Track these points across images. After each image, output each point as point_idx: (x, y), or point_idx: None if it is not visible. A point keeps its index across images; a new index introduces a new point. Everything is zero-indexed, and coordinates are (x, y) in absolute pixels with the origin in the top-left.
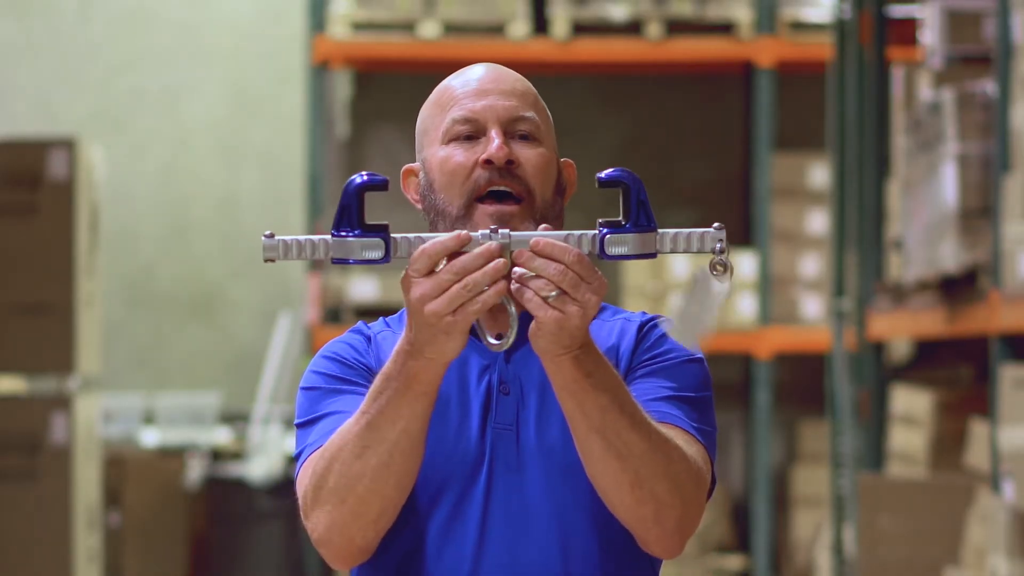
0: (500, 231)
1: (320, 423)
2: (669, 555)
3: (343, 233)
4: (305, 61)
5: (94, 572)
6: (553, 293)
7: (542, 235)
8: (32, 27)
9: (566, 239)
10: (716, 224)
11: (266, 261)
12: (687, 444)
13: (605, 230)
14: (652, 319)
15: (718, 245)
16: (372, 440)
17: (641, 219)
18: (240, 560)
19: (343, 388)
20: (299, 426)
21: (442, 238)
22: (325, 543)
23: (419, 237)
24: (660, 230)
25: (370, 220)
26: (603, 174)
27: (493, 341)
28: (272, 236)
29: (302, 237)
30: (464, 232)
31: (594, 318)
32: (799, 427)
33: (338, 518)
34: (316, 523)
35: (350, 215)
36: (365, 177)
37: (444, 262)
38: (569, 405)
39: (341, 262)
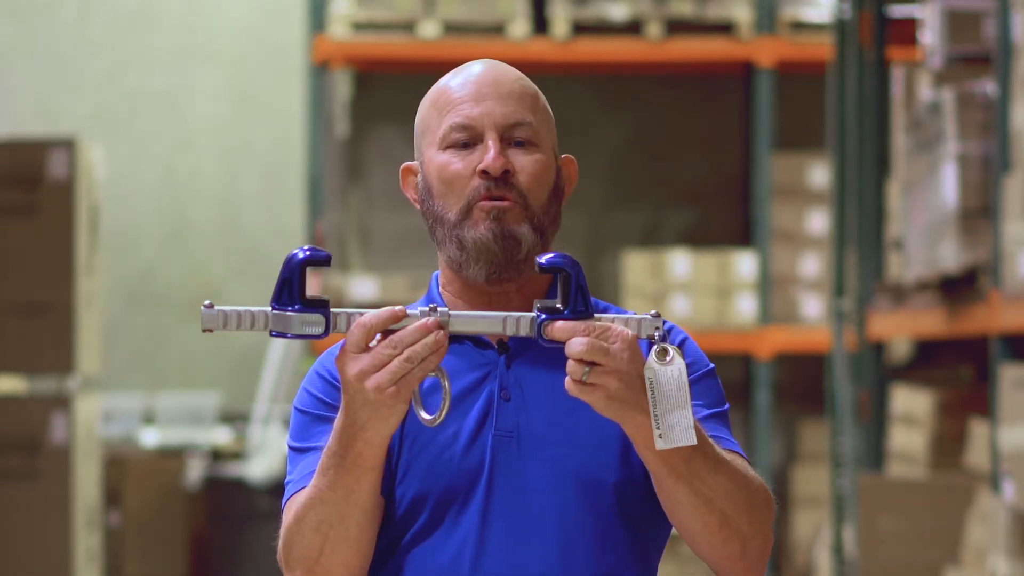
0: (439, 309)
1: (305, 458)
2: None
3: (283, 306)
4: (305, 61)
5: (94, 572)
6: (586, 370)
7: (482, 315)
8: (32, 27)
9: (504, 321)
10: (652, 312)
11: (204, 331)
12: (747, 467)
13: (543, 316)
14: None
15: (656, 333)
16: (326, 514)
17: (579, 305)
18: (240, 560)
19: (330, 415)
20: (289, 448)
21: (378, 312)
22: None
23: (358, 312)
24: (597, 314)
25: (365, 218)
26: (543, 259)
27: (426, 416)
28: (211, 306)
29: (242, 308)
30: (400, 308)
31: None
32: (799, 427)
33: None
34: None
35: (291, 288)
36: (308, 252)
37: (379, 337)
38: (653, 461)
39: (280, 335)
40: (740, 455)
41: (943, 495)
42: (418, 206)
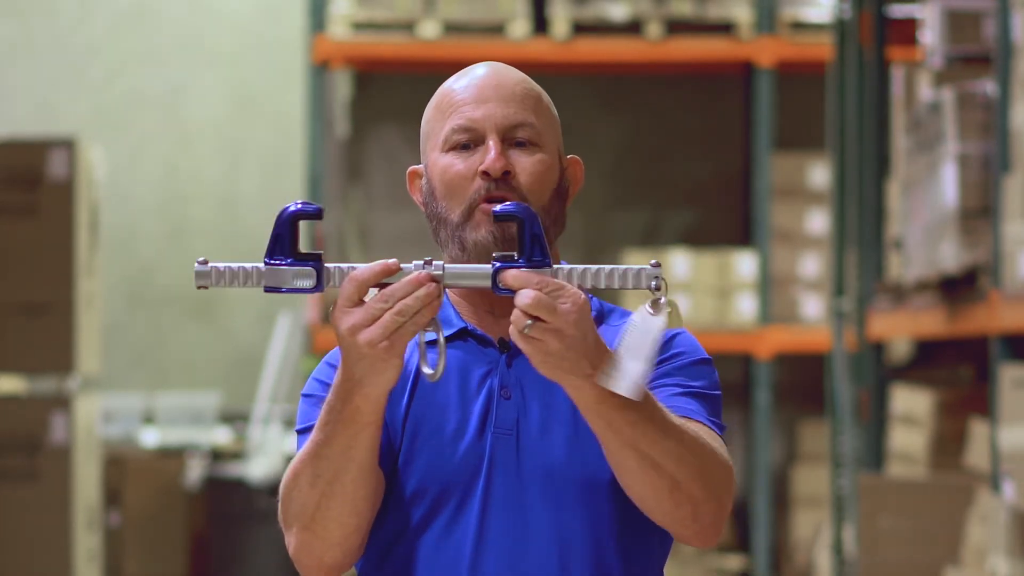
0: (434, 262)
1: (308, 436)
2: (707, 545)
3: (276, 261)
4: (305, 61)
5: (94, 572)
6: (528, 322)
7: (474, 268)
8: (32, 27)
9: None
10: (653, 261)
11: (199, 288)
12: (710, 437)
13: (498, 264)
14: None
15: (653, 283)
16: (322, 469)
17: (535, 254)
18: (240, 560)
19: None
20: (297, 432)
21: (371, 265)
22: (296, 561)
23: (351, 267)
24: (594, 266)
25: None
26: (498, 208)
27: (428, 371)
28: (205, 263)
29: (235, 264)
30: (394, 261)
31: (601, 323)
32: (799, 427)
33: (304, 540)
34: (288, 542)
35: (283, 243)
36: (299, 205)
37: (375, 291)
38: (597, 424)
39: (273, 290)
40: (714, 431)
41: (943, 495)
42: (423, 208)
